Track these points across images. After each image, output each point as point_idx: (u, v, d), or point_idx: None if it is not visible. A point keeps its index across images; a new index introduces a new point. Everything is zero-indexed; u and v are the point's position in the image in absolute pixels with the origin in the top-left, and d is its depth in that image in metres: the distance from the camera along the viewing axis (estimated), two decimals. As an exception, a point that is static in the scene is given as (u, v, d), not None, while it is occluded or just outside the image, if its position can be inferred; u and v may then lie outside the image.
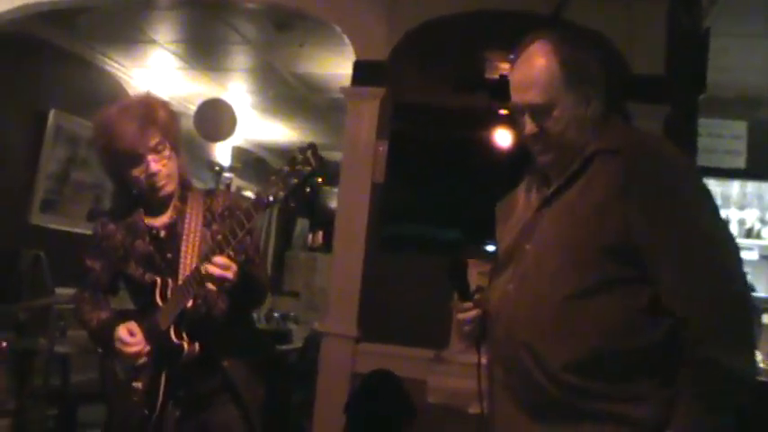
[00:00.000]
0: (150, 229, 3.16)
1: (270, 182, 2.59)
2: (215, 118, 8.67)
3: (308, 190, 2.60)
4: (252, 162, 12.09)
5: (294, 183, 2.54)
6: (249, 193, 11.52)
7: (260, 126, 10.73)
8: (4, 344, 4.51)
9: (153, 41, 7.67)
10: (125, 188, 3.16)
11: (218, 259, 2.78)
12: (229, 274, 2.81)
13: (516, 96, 2.40)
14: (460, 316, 2.55)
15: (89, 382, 7.03)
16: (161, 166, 3.04)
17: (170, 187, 3.11)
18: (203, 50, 8.02)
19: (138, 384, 3.08)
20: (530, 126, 2.36)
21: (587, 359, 2.20)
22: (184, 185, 3.19)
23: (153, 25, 7.36)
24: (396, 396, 5.10)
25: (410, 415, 5.05)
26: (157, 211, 3.17)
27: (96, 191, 8.46)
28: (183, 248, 3.05)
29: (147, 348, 3.04)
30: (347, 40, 5.92)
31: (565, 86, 2.32)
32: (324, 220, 12.05)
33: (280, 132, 11.16)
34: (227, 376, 3.13)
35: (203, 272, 2.82)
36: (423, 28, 5.71)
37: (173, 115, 3.14)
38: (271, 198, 2.57)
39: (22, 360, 4.94)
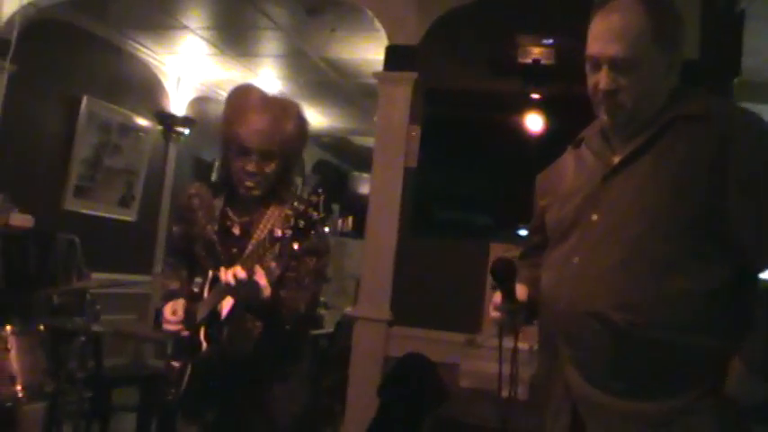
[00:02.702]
0: (225, 219, 3.15)
1: (285, 216, 2.62)
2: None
3: (312, 233, 2.64)
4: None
5: (301, 225, 2.57)
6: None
7: (289, 112, 10.74)
8: (42, 327, 4.54)
9: (184, 27, 7.69)
10: (225, 168, 3.14)
11: (237, 271, 2.74)
12: (231, 281, 2.75)
13: (597, 47, 2.27)
14: (492, 314, 2.46)
15: (122, 367, 7.12)
16: (259, 169, 2.99)
17: (257, 192, 3.05)
18: (234, 36, 8.02)
19: (175, 364, 3.12)
20: (606, 81, 2.25)
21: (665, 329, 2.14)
22: (275, 193, 3.10)
23: (184, 11, 7.37)
24: (428, 380, 5.11)
25: (442, 398, 5.07)
26: (243, 205, 3.13)
27: (128, 176, 8.52)
28: (248, 250, 2.97)
29: (185, 333, 3.06)
30: (379, 25, 5.92)
31: (652, 46, 2.22)
32: (354, 206, 12.07)
33: (310, 118, 10.90)
34: (257, 398, 3.09)
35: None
36: (455, 12, 5.71)
37: (301, 131, 3.08)
38: (280, 234, 2.60)
39: (59, 343, 4.98)
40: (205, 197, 3.22)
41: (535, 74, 5.39)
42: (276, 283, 2.92)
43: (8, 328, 4.11)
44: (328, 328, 8.15)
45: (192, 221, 3.22)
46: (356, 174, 13.46)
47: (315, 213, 2.58)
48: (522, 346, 2.52)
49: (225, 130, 3.04)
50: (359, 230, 12.30)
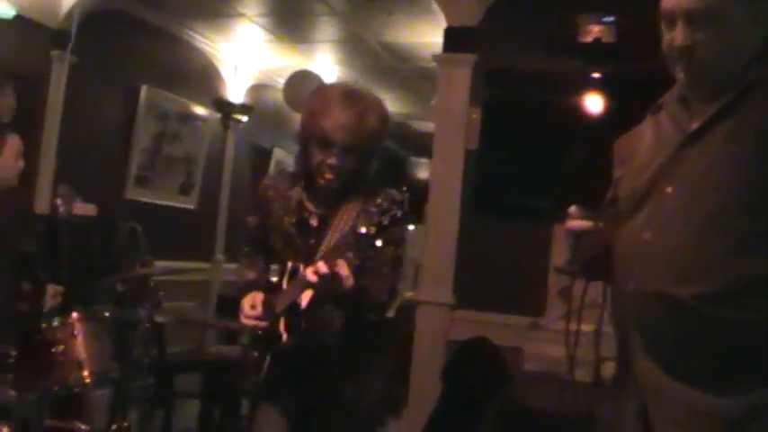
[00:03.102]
0: (303, 211, 3.15)
1: (369, 213, 2.66)
2: (304, 90, 8.70)
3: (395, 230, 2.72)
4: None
5: (385, 222, 2.61)
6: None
7: (346, 98, 10.70)
8: (107, 314, 4.57)
9: (241, 15, 7.71)
10: (303, 159, 3.14)
11: (319, 266, 2.75)
12: (313, 278, 2.76)
13: (671, 0, 2.12)
14: (575, 224, 2.35)
15: (185, 353, 7.18)
16: (341, 163, 2.98)
17: (336, 185, 3.05)
18: (290, 22, 8.01)
19: (253, 353, 3.15)
20: (682, 37, 2.09)
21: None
22: (353, 185, 3.09)
23: (241, -2, 7.40)
24: (492, 363, 5.07)
25: (506, 382, 5.03)
26: (320, 197, 3.14)
27: (188, 164, 8.57)
28: (326, 241, 3.02)
29: (263, 324, 3.07)
30: (436, 7, 5.86)
31: None
32: (412, 190, 12.00)
33: (366, 103, 11.07)
34: (337, 387, 3.09)
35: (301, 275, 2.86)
36: (514, -9, 5.64)
37: (383, 126, 3.05)
38: (365, 231, 2.63)
39: (123, 330, 5.03)
40: (281, 188, 3.23)
41: (596, 53, 5.30)
42: (355, 274, 2.89)
43: (74, 314, 4.13)
44: (389, 313, 8.14)
45: (269, 212, 3.23)
46: (414, 159, 13.39)
47: (399, 211, 2.62)
48: (587, 328, 2.45)
49: (308, 122, 3.04)
50: (417, 215, 12.28)
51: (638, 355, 2.19)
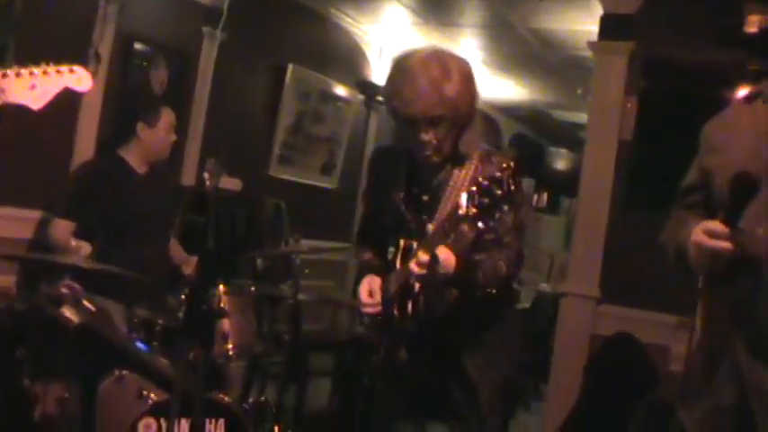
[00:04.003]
0: (411, 187, 3.09)
1: (470, 193, 2.51)
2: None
3: (497, 214, 2.54)
4: (479, 119, 12.04)
5: (486, 203, 2.48)
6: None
7: (489, 83, 10.57)
8: (252, 289, 4.62)
9: (389, -5, 7.69)
10: (399, 138, 3.12)
11: (419, 256, 2.75)
12: (421, 270, 2.75)
13: None
14: (710, 243, 2.10)
15: (319, 332, 7.23)
16: (431, 137, 2.90)
17: (436, 158, 2.97)
18: (438, 4, 7.94)
19: (372, 333, 3.16)
20: None
21: None
22: (459, 155, 3.01)
23: (390, -21, 7.36)
24: (638, 362, 4.96)
25: (652, 383, 4.90)
26: (426, 171, 3.06)
27: (330, 145, 8.62)
28: (437, 216, 2.95)
29: (380, 310, 3.06)
30: (591, -7, 5.75)
31: None
32: (550, 181, 11.89)
33: (509, 90, 10.94)
34: (456, 365, 3.04)
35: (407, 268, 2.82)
36: (675, -24, 5.46)
37: (467, 88, 2.90)
38: (463, 213, 2.52)
39: (263, 306, 5.08)
40: (390, 164, 3.19)
41: (762, 43, 5.09)
42: (470, 247, 2.82)
43: (221, 288, 4.18)
44: (524, 303, 8.07)
45: (380, 189, 3.21)
46: (553, 149, 13.24)
47: (499, 191, 2.47)
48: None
49: (387, 101, 3.01)
50: (554, 206, 12.21)
51: (743, 356, 2.12)
